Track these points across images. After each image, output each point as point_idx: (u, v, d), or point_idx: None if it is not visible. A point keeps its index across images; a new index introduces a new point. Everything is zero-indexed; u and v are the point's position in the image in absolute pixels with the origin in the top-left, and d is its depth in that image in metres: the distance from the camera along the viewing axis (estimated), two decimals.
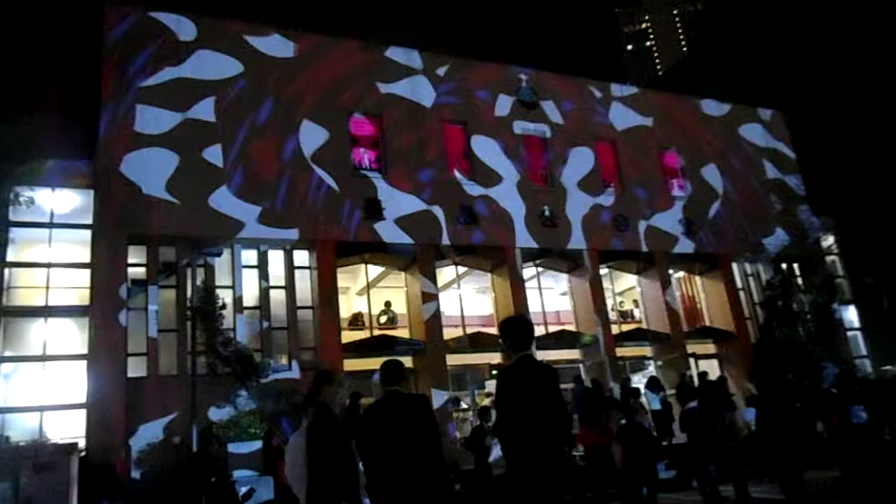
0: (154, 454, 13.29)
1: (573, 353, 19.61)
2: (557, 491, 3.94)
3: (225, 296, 14.90)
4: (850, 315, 24.09)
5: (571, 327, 19.86)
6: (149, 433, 13.51)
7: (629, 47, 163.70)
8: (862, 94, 30.55)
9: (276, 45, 17.61)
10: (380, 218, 17.14)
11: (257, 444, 12.95)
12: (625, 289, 22.45)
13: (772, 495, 10.62)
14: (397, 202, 17.50)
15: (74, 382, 14.14)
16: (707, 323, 21.78)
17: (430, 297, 17.40)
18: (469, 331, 18.39)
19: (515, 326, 4.41)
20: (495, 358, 17.55)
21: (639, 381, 18.70)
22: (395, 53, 19.23)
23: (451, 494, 10.99)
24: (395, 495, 4.07)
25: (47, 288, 14.77)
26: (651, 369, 20.33)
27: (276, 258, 16.52)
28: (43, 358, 14.44)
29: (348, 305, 18.69)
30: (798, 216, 23.42)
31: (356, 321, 18.14)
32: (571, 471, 10.76)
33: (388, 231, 17.18)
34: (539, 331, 18.97)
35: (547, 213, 19.35)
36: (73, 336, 15.01)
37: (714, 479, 10.10)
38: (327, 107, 17.55)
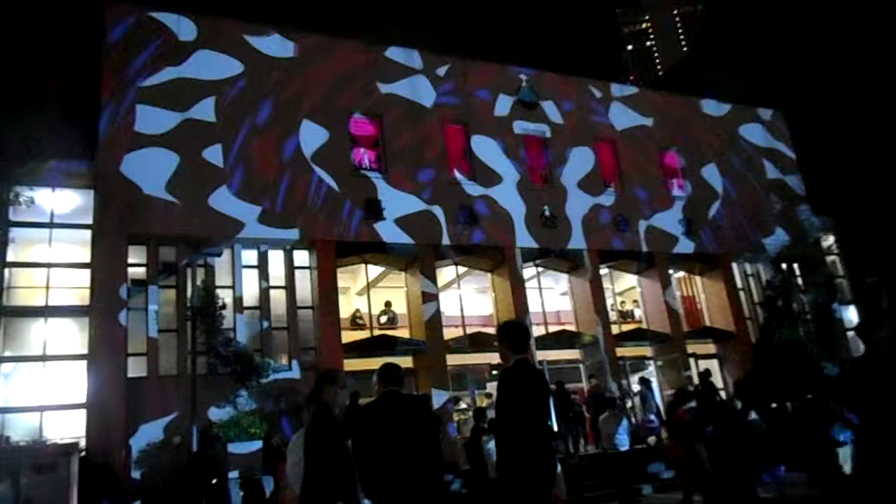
0: (154, 454, 13.30)
1: (573, 353, 19.63)
2: (548, 485, 4.14)
3: (225, 296, 14.90)
4: (850, 315, 24.10)
5: (571, 327, 19.86)
6: (149, 433, 13.51)
7: (629, 47, 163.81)
8: (862, 94, 30.55)
9: (276, 45, 17.61)
10: (380, 218, 17.15)
11: (257, 444, 12.96)
12: (625, 289, 22.46)
13: (771, 495, 10.62)
14: (394, 198, 17.52)
15: (74, 382, 14.14)
16: (707, 323, 21.79)
17: (430, 297, 17.41)
18: (469, 331, 18.39)
19: (515, 330, 4.59)
20: (495, 358, 17.53)
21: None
22: (395, 53, 19.23)
23: (447, 494, 10.99)
24: (391, 494, 4.08)
25: (47, 288, 14.77)
26: (651, 369, 20.35)
27: (276, 258, 16.52)
28: (43, 358, 14.45)
29: (348, 305, 18.70)
30: (798, 216, 23.44)
31: (355, 320, 18.14)
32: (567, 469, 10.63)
33: (388, 231, 17.19)
34: (539, 331, 19.03)
35: (547, 213, 19.36)
36: (73, 336, 15.01)
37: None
38: (327, 107, 17.56)
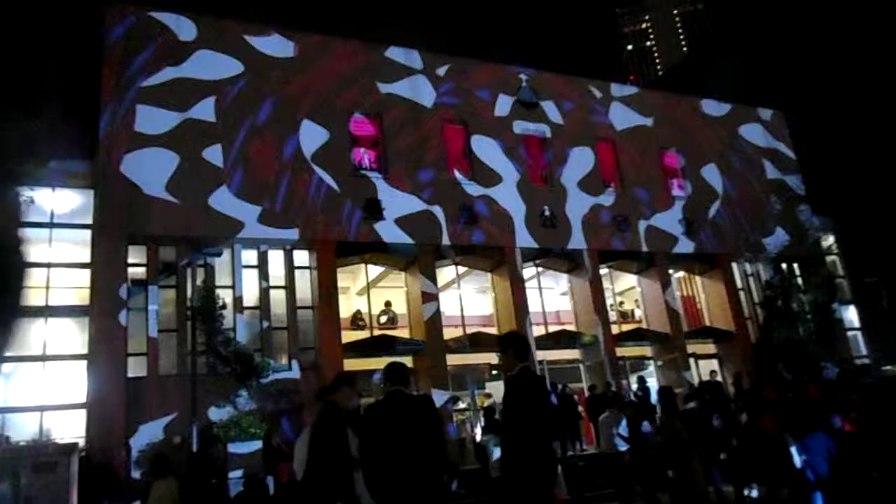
0: (154, 454, 13.27)
1: (573, 353, 19.62)
2: (550, 485, 4.42)
3: (225, 296, 14.90)
4: (850, 315, 24.10)
5: (571, 327, 19.86)
6: (149, 433, 13.50)
7: (629, 47, 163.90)
8: (862, 95, 30.55)
9: (276, 45, 17.61)
10: (380, 218, 17.15)
11: (257, 444, 12.95)
12: (625, 289, 22.46)
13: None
14: (394, 198, 17.52)
15: (74, 382, 14.14)
16: (707, 323, 21.78)
17: (430, 297, 17.40)
18: (469, 331, 18.39)
19: (519, 341, 4.97)
20: (495, 358, 17.56)
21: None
22: (395, 53, 19.23)
23: (449, 494, 11.00)
24: (397, 493, 4.09)
25: (47, 288, 14.76)
26: (651, 369, 20.35)
27: (276, 258, 16.52)
28: (43, 358, 14.44)
29: (348, 305, 18.69)
30: (798, 216, 23.44)
31: (356, 321, 18.14)
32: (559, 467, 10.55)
33: (388, 231, 17.19)
34: (539, 331, 19.02)
35: (547, 213, 19.36)
36: (73, 336, 15.00)
37: (718, 481, 10.08)
38: (327, 107, 17.55)
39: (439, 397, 16.10)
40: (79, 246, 15.23)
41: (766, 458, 8.52)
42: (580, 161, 20.66)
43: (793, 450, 8.02)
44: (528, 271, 19.70)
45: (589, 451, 15.64)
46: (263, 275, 16.12)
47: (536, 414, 4.46)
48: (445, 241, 17.84)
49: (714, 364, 20.63)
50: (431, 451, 4.27)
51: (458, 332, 18.29)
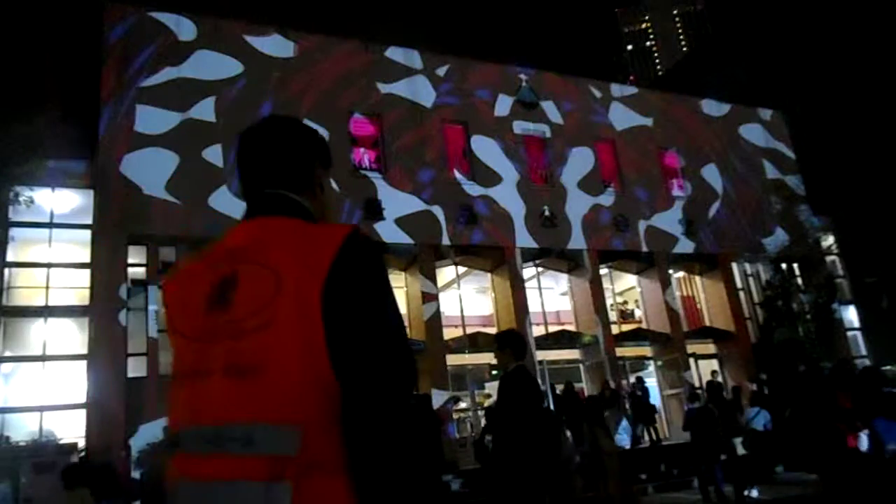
0: (154, 454, 13.27)
1: (573, 353, 19.63)
2: (546, 476, 4.60)
3: None
4: (850, 315, 24.10)
5: (571, 327, 19.86)
6: (149, 433, 13.47)
7: (629, 47, 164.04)
8: (862, 95, 30.54)
9: (276, 45, 17.61)
10: (380, 218, 17.15)
11: None
12: (625, 289, 22.46)
13: (771, 496, 10.64)
14: (394, 198, 17.53)
15: (74, 382, 14.13)
16: (707, 323, 21.79)
17: (430, 297, 17.40)
18: (469, 331, 18.40)
19: (517, 339, 5.13)
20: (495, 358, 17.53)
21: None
22: (395, 53, 19.23)
23: (446, 493, 11.00)
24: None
25: (47, 288, 14.78)
26: (651, 369, 20.35)
27: None
28: (43, 358, 14.44)
29: None
30: (798, 216, 23.43)
31: None
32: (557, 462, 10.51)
33: (388, 231, 17.19)
34: (539, 331, 19.02)
35: (547, 213, 19.36)
36: (73, 336, 15.00)
37: (720, 481, 10.09)
38: (327, 107, 17.55)
39: (439, 397, 16.11)
40: (79, 246, 15.24)
41: (830, 443, 8.46)
42: (580, 161, 20.66)
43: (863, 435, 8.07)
44: (528, 271, 19.70)
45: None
46: None
47: (531, 410, 4.54)
48: (445, 241, 17.85)
49: (714, 364, 20.63)
50: (428, 451, 4.32)
51: (458, 332, 18.30)
